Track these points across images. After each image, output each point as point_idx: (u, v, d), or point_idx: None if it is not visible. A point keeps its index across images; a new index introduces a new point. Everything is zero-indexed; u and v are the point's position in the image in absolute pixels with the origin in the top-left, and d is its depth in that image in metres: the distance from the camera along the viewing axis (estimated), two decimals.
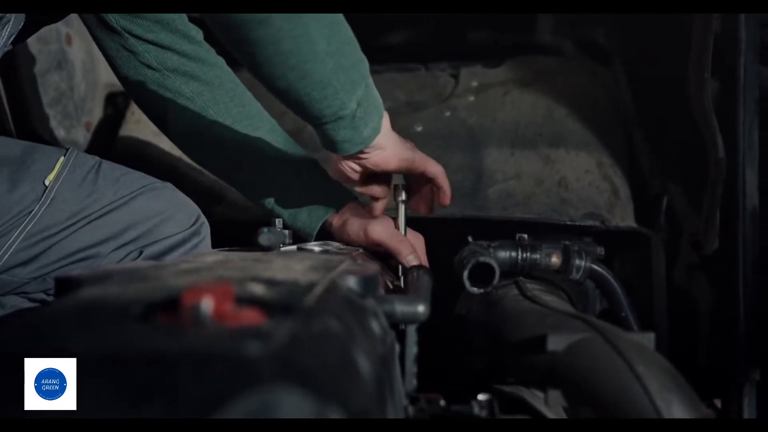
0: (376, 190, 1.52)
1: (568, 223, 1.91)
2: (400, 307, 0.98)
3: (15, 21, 1.36)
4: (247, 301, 0.68)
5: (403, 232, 1.57)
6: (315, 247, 1.31)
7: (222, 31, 1.18)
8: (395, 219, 1.57)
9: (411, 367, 1.03)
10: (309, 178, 1.63)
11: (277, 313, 0.66)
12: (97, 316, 0.68)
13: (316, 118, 1.27)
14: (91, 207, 1.48)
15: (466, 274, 1.46)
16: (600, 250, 1.67)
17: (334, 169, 1.47)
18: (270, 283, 0.80)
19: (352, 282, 0.93)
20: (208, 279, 0.84)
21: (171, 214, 1.55)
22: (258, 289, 0.75)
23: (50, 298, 1.49)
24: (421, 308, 0.98)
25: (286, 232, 1.29)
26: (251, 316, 0.64)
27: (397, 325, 1.01)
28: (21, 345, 0.61)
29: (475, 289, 1.47)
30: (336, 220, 1.60)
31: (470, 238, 1.63)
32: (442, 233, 1.65)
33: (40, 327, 0.66)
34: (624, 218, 1.98)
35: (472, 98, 2.21)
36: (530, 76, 2.26)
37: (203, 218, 1.61)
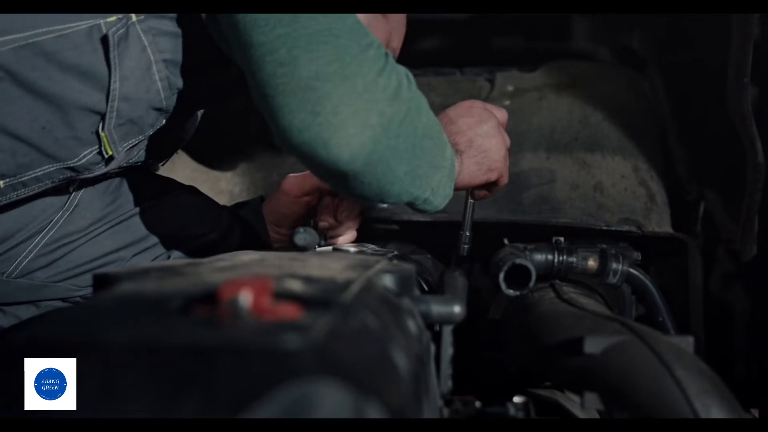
0: None
1: (604, 228, 1.89)
2: (436, 308, 0.97)
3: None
4: (285, 296, 0.68)
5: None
6: (351, 247, 1.31)
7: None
8: None
9: (446, 368, 1.03)
10: None
11: (314, 308, 0.66)
12: (136, 309, 0.69)
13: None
14: (114, 213, 1.48)
15: (502, 276, 1.45)
16: (637, 255, 1.66)
17: None
18: (307, 279, 0.80)
19: (388, 281, 0.93)
20: (246, 275, 0.84)
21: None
22: (295, 285, 0.75)
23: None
24: (457, 309, 0.98)
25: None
26: (289, 311, 0.64)
27: (432, 326, 1.01)
28: (60, 336, 0.61)
29: (511, 292, 1.46)
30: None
31: (506, 241, 1.62)
32: (477, 237, 1.64)
33: (80, 319, 0.66)
34: (660, 224, 1.96)
35: (507, 102, 2.20)
36: (566, 81, 2.24)
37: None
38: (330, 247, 1.33)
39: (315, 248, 1.24)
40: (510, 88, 2.24)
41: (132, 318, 0.66)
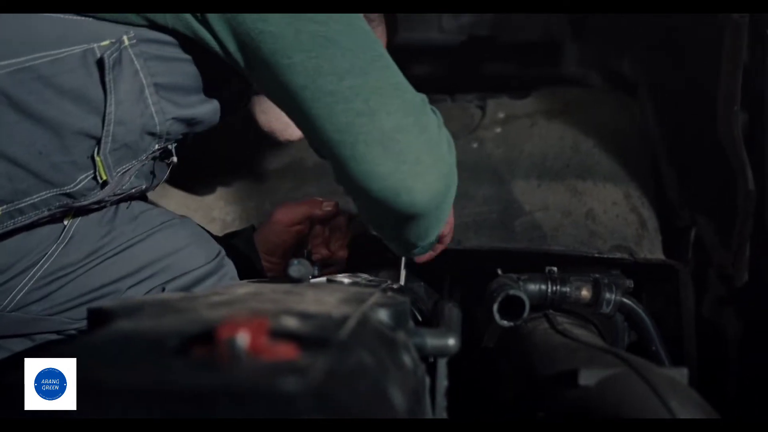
0: None
1: (596, 255, 1.89)
2: (431, 341, 0.98)
3: None
4: (282, 334, 0.68)
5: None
6: (344, 278, 1.31)
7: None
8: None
9: (441, 401, 1.03)
10: None
11: (312, 348, 0.66)
12: (133, 350, 0.68)
13: None
14: (109, 245, 1.46)
15: (495, 307, 1.45)
16: (629, 283, 1.66)
17: None
18: (303, 316, 0.80)
19: (383, 315, 0.93)
20: (242, 311, 0.84)
21: (191, 249, 1.55)
22: (292, 323, 0.75)
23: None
24: (451, 341, 0.98)
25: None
26: (287, 351, 0.64)
27: (427, 358, 1.01)
28: None
29: (504, 322, 1.46)
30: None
31: (500, 271, 1.62)
32: (470, 265, 1.65)
33: (77, 360, 0.66)
34: (652, 251, 1.97)
35: (498, 129, 2.21)
36: (557, 108, 2.25)
37: (224, 250, 1.60)
38: (324, 278, 1.33)
39: (309, 279, 1.24)
40: (501, 115, 2.25)
41: (130, 359, 0.66)
